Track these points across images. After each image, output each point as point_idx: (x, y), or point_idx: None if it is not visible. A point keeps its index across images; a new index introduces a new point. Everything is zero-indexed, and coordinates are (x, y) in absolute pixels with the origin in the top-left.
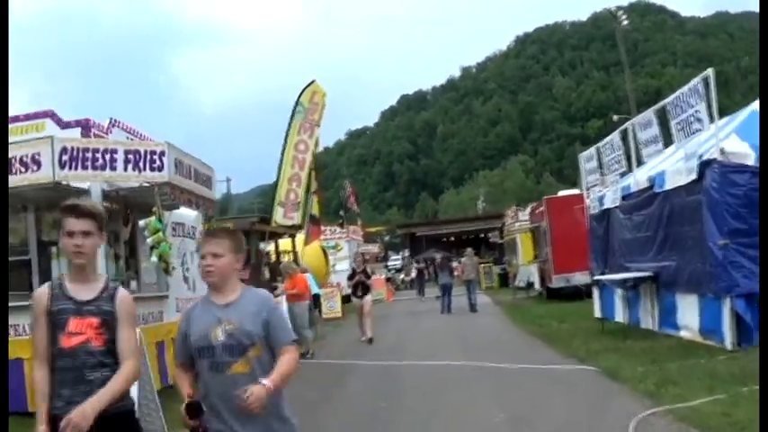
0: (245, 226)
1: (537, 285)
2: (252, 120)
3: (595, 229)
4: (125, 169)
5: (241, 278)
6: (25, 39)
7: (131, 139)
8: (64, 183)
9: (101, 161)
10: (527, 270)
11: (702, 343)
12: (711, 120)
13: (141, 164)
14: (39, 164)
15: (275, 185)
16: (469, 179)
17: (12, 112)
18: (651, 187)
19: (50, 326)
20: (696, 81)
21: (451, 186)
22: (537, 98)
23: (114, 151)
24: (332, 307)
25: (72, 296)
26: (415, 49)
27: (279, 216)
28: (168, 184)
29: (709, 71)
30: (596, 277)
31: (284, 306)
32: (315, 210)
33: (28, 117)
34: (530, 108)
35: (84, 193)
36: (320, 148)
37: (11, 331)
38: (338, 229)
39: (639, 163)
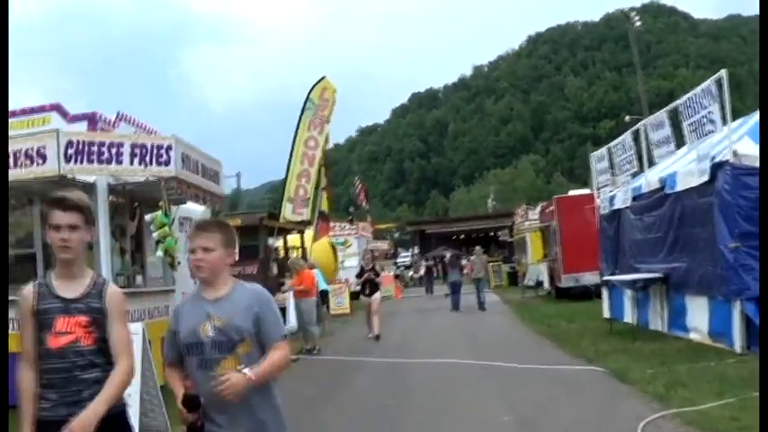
0: (254, 221)
1: (546, 284)
2: (262, 116)
3: (606, 229)
4: (131, 163)
5: (250, 273)
6: (39, 36)
7: (138, 133)
8: (69, 176)
9: (107, 155)
10: (536, 269)
11: (712, 346)
12: (724, 121)
13: (148, 158)
14: (44, 157)
15: (284, 181)
16: (480, 177)
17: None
18: (662, 188)
19: (37, 326)
20: (709, 82)
21: (462, 184)
22: (549, 98)
23: (120, 145)
24: (340, 303)
25: (59, 294)
26: (426, 48)
27: (288, 212)
28: (175, 179)
29: (723, 72)
30: (606, 278)
31: (291, 302)
32: (324, 206)
33: (34, 110)
34: (541, 108)
35: (90, 186)
36: (331, 145)
37: (16, 325)
38: (348, 226)
39: (651, 164)
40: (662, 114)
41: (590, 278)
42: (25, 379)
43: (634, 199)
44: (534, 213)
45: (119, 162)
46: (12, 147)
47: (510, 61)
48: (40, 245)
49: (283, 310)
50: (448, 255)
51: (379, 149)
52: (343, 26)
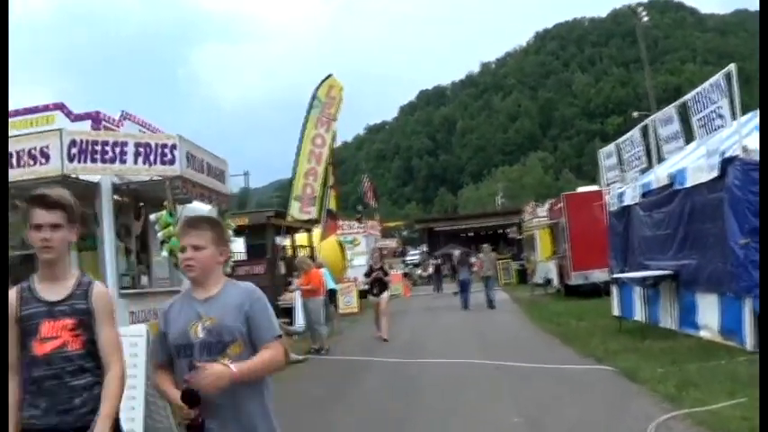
0: (262, 220)
1: (555, 282)
2: (272, 114)
3: (615, 226)
4: (135, 162)
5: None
6: (47, 36)
7: (143, 132)
8: (73, 176)
9: (110, 154)
10: (545, 266)
11: (722, 344)
12: (734, 116)
13: (152, 157)
14: (47, 157)
15: (291, 180)
16: (488, 175)
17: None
18: (672, 184)
19: (21, 333)
20: (718, 77)
21: (470, 182)
22: (556, 94)
23: (124, 144)
24: (348, 302)
25: (42, 298)
26: (434, 45)
27: (295, 210)
28: (180, 178)
29: (732, 66)
30: (615, 275)
31: (299, 301)
32: (332, 204)
33: (38, 109)
34: (549, 104)
35: (94, 186)
36: (338, 143)
37: None
38: (356, 224)
39: (660, 159)
40: (671, 109)
41: (599, 275)
42: (11, 387)
43: (643, 195)
44: (543, 210)
45: (123, 161)
46: (14, 146)
47: (517, 58)
48: None
49: (291, 310)
50: (456, 253)
51: (387, 147)
52: (352, 24)
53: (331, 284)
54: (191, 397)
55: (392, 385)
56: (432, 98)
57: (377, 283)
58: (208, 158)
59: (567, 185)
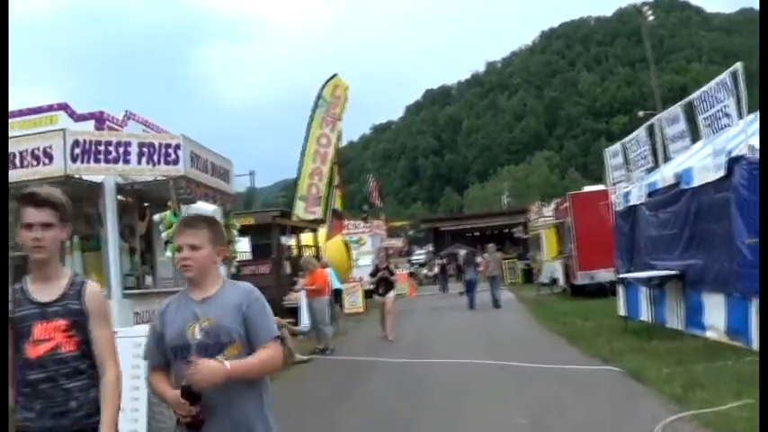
0: (267, 220)
1: (561, 282)
2: (278, 114)
3: (621, 225)
4: (139, 162)
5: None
6: (52, 35)
7: (147, 132)
8: (76, 176)
9: (114, 154)
10: (551, 266)
11: (729, 344)
12: (740, 115)
13: (156, 157)
14: (50, 157)
15: (297, 180)
16: (494, 174)
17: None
18: (678, 184)
19: (14, 335)
20: (724, 75)
21: (476, 181)
22: (562, 93)
23: (128, 144)
24: (354, 302)
25: (35, 299)
26: (439, 44)
27: (300, 210)
28: (184, 178)
29: (738, 65)
30: (621, 275)
31: (304, 301)
32: (337, 204)
33: (41, 110)
34: (555, 103)
35: (98, 186)
36: (344, 143)
37: None
38: (362, 224)
39: (666, 159)
40: (677, 108)
41: (605, 275)
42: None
43: (649, 195)
44: (548, 210)
45: (126, 161)
46: (18, 146)
47: (523, 57)
48: None
49: (296, 310)
50: (461, 252)
51: (392, 147)
52: (358, 23)
53: (336, 284)
54: (192, 393)
55: (397, 385)
56: (437, 98)
57: (382, 282)
58: (212, 158)
59: (573, 185)
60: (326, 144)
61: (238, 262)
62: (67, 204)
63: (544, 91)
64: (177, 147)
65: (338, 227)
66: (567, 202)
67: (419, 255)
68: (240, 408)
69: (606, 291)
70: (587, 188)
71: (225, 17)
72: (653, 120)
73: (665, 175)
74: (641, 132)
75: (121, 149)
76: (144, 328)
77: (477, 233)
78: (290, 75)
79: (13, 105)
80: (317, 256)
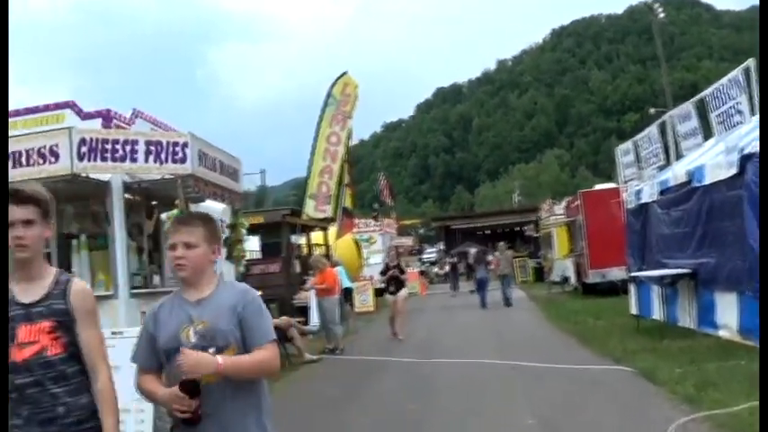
0: (277, 218)
1: (572, 280)
2: (291, 113)
3: (632, 224)
4: (146, 161)
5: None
6: (65, 34)
7: (155, 131)
8: (83, 175)
9: (121, 152)
10: (562, 264)
11: (742, 343)
12: (753, 112)
13: (163, 155)
14: (57, 155)
15: (307, 178)
16: (505, 172)
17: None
18: (690, 182)
19: None
20: (737, 72)
21: (487, 179)
22: (573, 91)
23: (135, 142)
24: (364, 301)
25: (18, 300)
26: (450, 42)
27: (310, 209)
28: (192, 177)
29: (750, 61)
30: (633, 273)
31: (314, 301)
32: (348, 202)
33: (48, 108)
34: (566, 101)
35: (105, 185)
36: (355, 141)
37: None
38: (372, 222)
39: (678, 156)
40: (688, 105)
41: (617, 273)
42: None
43: (661, 193)
44: (560, 208)
45: (133, 160)
46: (24, 145)
47: (534, 55)
48: (55, 244)
49: (306, 309)
50: (472, 251)
51: (403, 145)
52: (368, 23)
53: (347, 283)
54: (191, 387)
55: (408, 385)
56: (448, 96)
57: (393, 281)
58: (220, 157)
59: (584, 183)
60: (336, 142)
61: (248, 261)
62: (51, 201)
63: (555, 89)
64: (185, 145)
65: (348, 225)
66: (578, 200)
67: (430, 253)
68: (237, 417)
69: (618, 289)
70: (599, 186)
71: (237, 17)
72: (665, 117)
73: (676, 172)
74: (653, 130)
75: (128, 148)
76: None
77: (488, 231)
78: (301, 74)
79: (23, 104)
80: (328, 255)
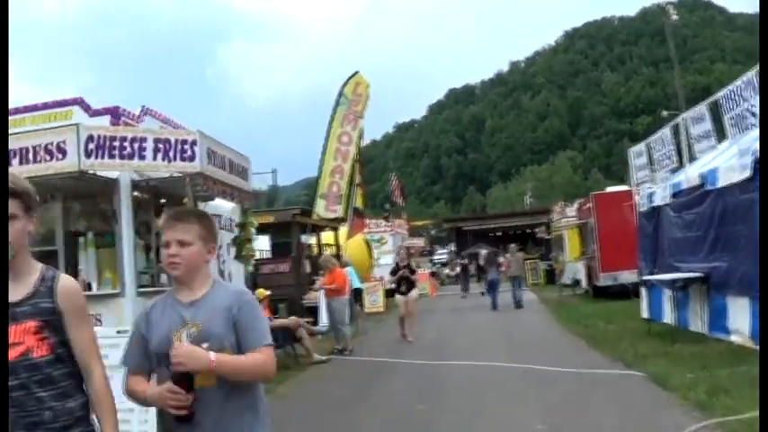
0: (287, 218)
1: (583, 283)
2: (302, 112)
3: (644, 227)
4: (154, 158)
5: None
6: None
7: (164, 128)
8: (90, 172)
9: (128, 150)
10: (574, 267)
11: (754, 348)
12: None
13: (171, 153)
14: (64, 152)
15: (317, 178)
16: (517, 174)
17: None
18: (703, 185)
19: None
20: (750, 74)
21: (499, 181)
22: (585, 93)
23: (143, 140)
24: (374, 301)
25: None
26: (463, 43)
27: (321, 208)
28: (200, 175)
29: None
30: (645, 277)
31: (323, 301)
32: (358, 202)
33: (56, 104)
34: (578, 103)
35: (113, 182)
36: (367, 141)
37: None
38: (383, 223)
39: (691, 158)
40: (702, 108)
41: (628, 277)
42: None
43: (674, 196)
44: (571, 210)
45: (141, 157)
46: (31, 141)
47: (546, 56)
48: (62, 242)
49: (315, 309)
50: (483, 252)
51: (415, 146)
52: (381, 23)
53: (356, 284)
54: (185, 380)
55: (417, 387)
56: (461, 97)
57: (403, 281)
58: (230, 155)
59: (596, 185)
60: (348, 142)
61: (257, 260)
62: (33, 193)
63: (567, 91)
64: (193, 143)
65: (359, 225)
66: (590, 202)
67: (441, 254)
68: (233, 418)
69: (629, 292)
70: (611, 188)
71: (248, 17)
72: (678, 119)
73: (689, 175)
74: (666, 132)
75: (136, 145)
76: None
77: (499, 233)
78: (313, 74)
79: (34, 102)
80: (338, 255)
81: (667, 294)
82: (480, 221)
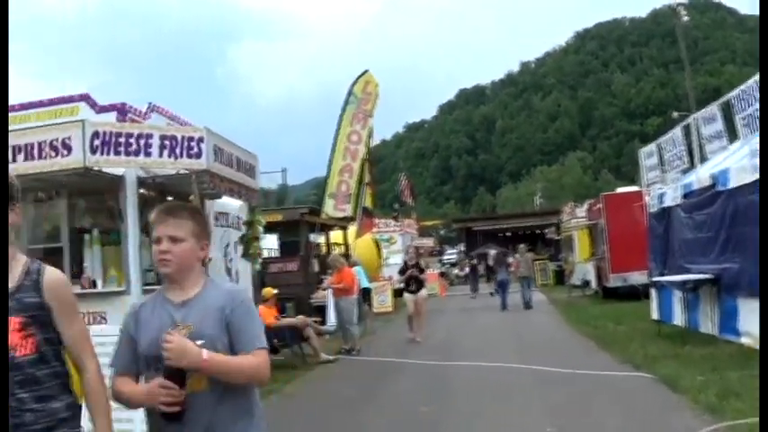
0: (295, 217)
1: (593, 284)
2: (311, 111)
3: (655, 227)
4: (160, 155)
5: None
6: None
7: (170, 125)
8: (95, 168)
9: (134, 146)
10: (583, 268)
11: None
12: None
13: (178, 150)
14: (69, 148)
15: (326, 177)
16: (527, 174)
17: None
18: (714, 185)
19: None
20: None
21: (509, 181)
22: (596, 94)
23: (149, 136)
24: (383, 301)
25: None
26: (473, 44)
27: (329, 208)
28: (207, 172)
29: None
30: (655, 278)
31: (331, 300)
32: (368, 202)
33: (62, 100)
34: (589, 104)
35: (119, 179)
36: (377, 141)
37: None
38: (392, 222)
39: (703, 159)
40: (714, 108)
41: (638, 278)
42: None
43: (684, 196)
44: (581, 211)
45: (147, 154)
46: (36, 137)
47: (557, 57)
48: (67, 239)
49: (323, 309)
50: (492, 252)
51: (425, 146)
52: (391, 22)
53: (365, 283)
54: (178, 375)
55: (424, 388)
56: (471, 97)
57: (412, 280)
58: (237, 153)
59: (606, 186)
60: (357, 141)
61: (266, 259)
62: (12, 183)
63: (578, 92)
64: (200, 140)
65: (368, 225)
66: (600, 203)
67: (450, 254)
68: (227, 422)
69: (639, 294)
70: (621, 189)
71: (259, 15)
72: (689, 119)
73: (700, 176)
74: (677, 132)
75: (142, 142)
76: None
77: (509, 233)
78: (323, 72)
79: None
80: (347, 255)
81: (678, 296)
82: (490, 222)
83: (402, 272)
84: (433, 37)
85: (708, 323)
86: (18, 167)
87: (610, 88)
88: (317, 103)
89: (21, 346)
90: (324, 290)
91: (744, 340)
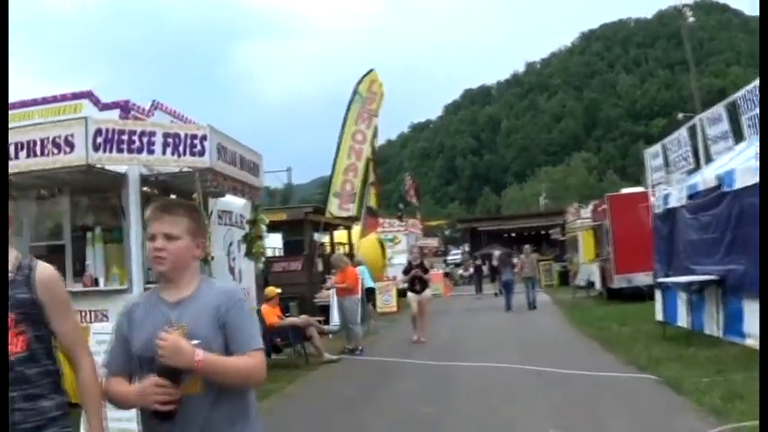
0: (299, 216)
1: (597, 285)
2: (316, 111)
3: (660, 228)
4: (163, 153)
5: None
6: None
7: (174, 123)
8: (98, 166)
9: (137, 144)
10: (588, 269)
11: None
12: None
13: (181, 148)
14: (72, 145)
15: (331, 176)
16: (532, 175)
17: None
18: (719, 186)
19: None
20: None
21: (514, 182)
22: (601, 95)
23: (152, 134)
24: (387, 301)
25: None
26: (479, 44)
27: (334, 207)
28: (210, 170)
29: None
30: (660, 279)
31: (334, 300)
32: (372, 202)
33: (65, 98)
34: (594, 105)
35: (122, 176)
36: (382, 141)
37: None
38: (397, 222)
39: (708, 160)
40: (719, 108)
41: (643, 279)
42: None
43: (689, 197)
44: (586, 212)
45: (150, 152)
46: (39, 134)
47: (562, 58)
48: (69, 236)
49: (327, 308)
50: (496, 253)
51: (431, 146)
52: (397, 22)
53: (369, 283)
54: (173, 372)
55: (427, 388)
56: (476, 97)
57: (417, 280)
58: (240, 151)
59: (611, 187)
60: (362, 140)
61: (269, 258)
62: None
63: (583, 92)
64: (203, 138)
65: (373, 225)
66: (604, 203)
67: (455, 255)
68: (223, 424)
69: (644, 295)
70: (626, 190)
71: (264, 14)
72: (695, 119)
73: (706, 177)
74: (683, 132)
75: (145, 139)
76: None
77: (513, 234)
78: (329, 72)
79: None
80: (351, 254)
81: (682, 297)
82: (495, 222)
83: (406, 272)
84: (438, 37)
85: (713, 325)
86: (20, 164)
87: (615, 89)
88: (322, 102)
89: (12, 342)
90: (327, 289)
91: (749, 342)
